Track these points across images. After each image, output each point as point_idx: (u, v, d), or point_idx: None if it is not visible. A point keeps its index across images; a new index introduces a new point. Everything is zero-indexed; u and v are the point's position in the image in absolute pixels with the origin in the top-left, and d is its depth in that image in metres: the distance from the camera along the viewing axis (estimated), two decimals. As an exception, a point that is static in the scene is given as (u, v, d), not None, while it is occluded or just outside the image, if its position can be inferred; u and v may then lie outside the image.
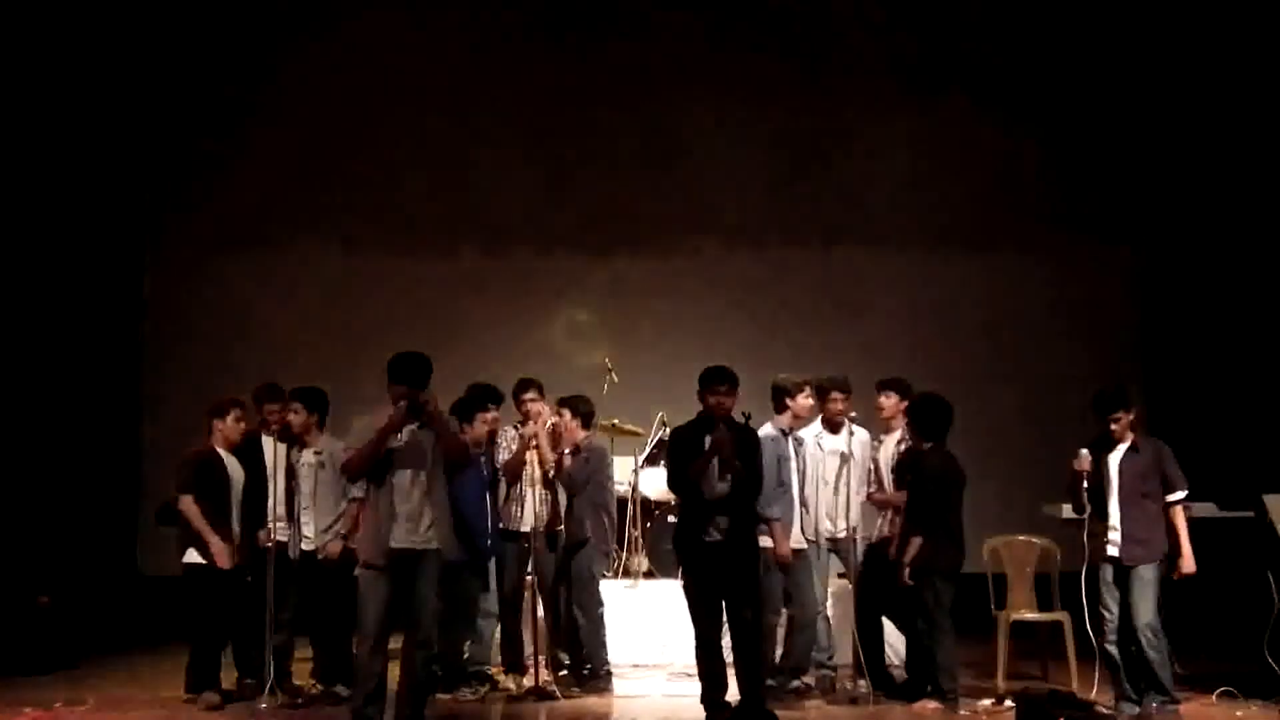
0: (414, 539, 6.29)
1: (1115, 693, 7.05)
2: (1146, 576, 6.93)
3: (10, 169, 9.84)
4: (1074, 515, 7.29)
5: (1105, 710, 6.83)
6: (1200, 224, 10.76)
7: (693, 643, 6.90)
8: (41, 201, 10.11)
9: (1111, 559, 6.99)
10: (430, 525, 6.31)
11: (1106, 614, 6.99)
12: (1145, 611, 6.90)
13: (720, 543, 6.71)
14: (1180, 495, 7.08)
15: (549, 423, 7.87)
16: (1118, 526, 6.97)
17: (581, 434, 7.93)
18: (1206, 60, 10.57)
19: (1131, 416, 7.04)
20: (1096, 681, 7.30)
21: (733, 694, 6.84)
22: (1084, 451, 7.06)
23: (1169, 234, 11.11)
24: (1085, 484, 7.04)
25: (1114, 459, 7.05)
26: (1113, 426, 7.01)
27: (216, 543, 7.30)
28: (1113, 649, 7.02)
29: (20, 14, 9.83)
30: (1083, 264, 11.33)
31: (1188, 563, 7.02)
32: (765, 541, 7.37)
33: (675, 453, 6.94)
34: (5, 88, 9.76)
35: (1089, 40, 11.22)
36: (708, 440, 6.73)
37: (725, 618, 6.89)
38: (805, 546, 7.60)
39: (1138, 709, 6.99)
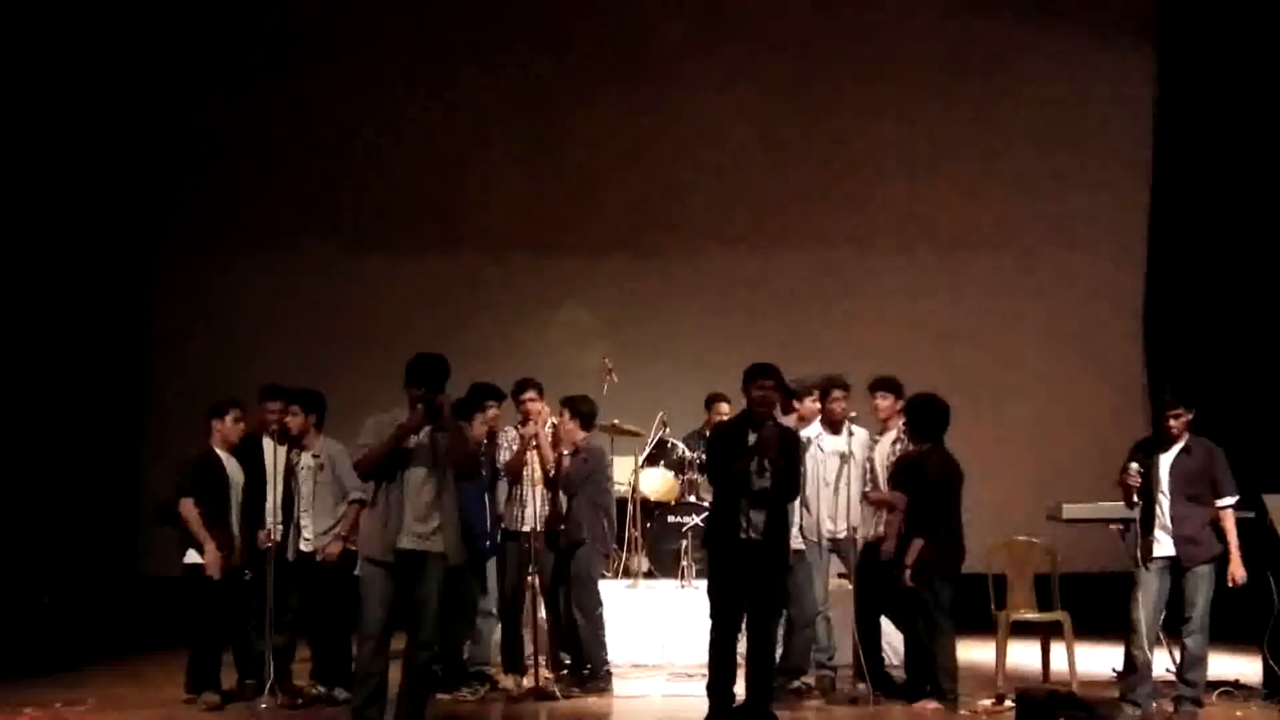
0: (420, 540, 6.28)
1: (1121, 692, 7.02)
2: (1204, 574, 6.87)
3: (13, 172, 9.83)
4: (1127, 511, 7.19)
5: (1105, 710, 6.82)
6: (1201, 224, 10.77)
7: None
8: (44, 203, 10.12)
9: (1165, 559, 6.90)
10: (437, 528, 6.30)
11: (1140, 616, 6.91)
12: (1200, 608, 6.85)
13: (757, 542, 6.66)
14: (1230, 501, 6.98)
15: (549, 422, 7.87)
16: (1169, 526, 6.89)
17: (580, 434, 7.93)
18: (1211, 59, 10.58)
19: (1191, 416, 6.95)
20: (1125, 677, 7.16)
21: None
22: (1132, 465, 6.97)
23: (1170, 235, 11.11)
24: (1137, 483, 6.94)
25: (1166, 459, 6.95)
26: (1171, 423, 6.93)
27: (210, 551, 7.30)
28: (1139, 652, 6.92)
29: (21, 17, 9.83)
30: (1085, 265, 11.32)
31: (1237, 568, 6.91)
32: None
33: (717, 447, 6.92)
34: (5, 91, 9.76)
35: (1094, 37, 11.21)
36: (751, 436, 6.72)
37: (745, 620, 6.87)
38: (804, 547, 7.60)
39: (1139, 711, 6.97)
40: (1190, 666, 6.92)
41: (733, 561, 6.70)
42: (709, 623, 6.78)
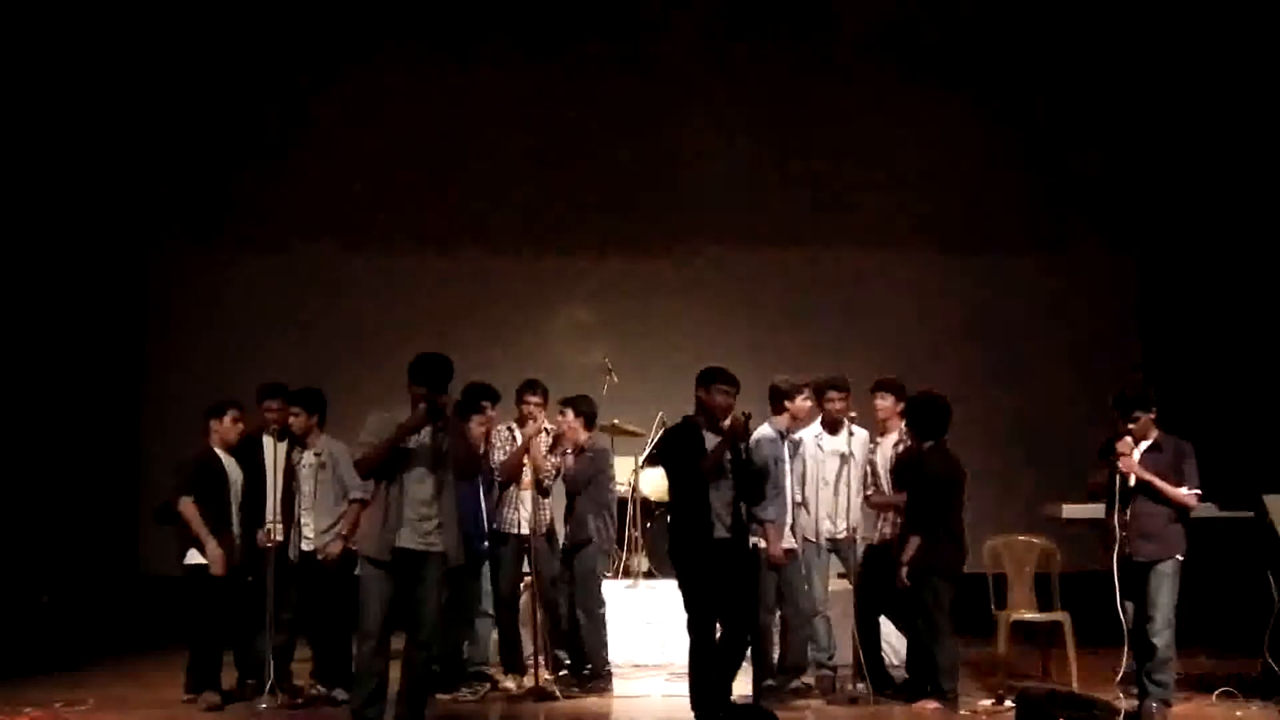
0: (419, 540, 6.28)
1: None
2: (1165, 571, 6.91)
3: (13, 170, 9.83)
4: (1091, 513, 7.26)
5: (1104, 710, 6.82)
6: (1200, 224, 10.77)
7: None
8: (43, 203, 10.11)
9: (1127, 557, 6.96)
10: (436, 528, 6.30)
11: (1129, 609, 6.99)
12: (1163, 606, 6.87)
13: (728, 540, 6.69)
14: (1191, 491, 7.00)
15: (542, 427, 7.86)
16: (1132, 524, 6.94)
17: (584, 434, 7.94)
18: (1207, 61, 10.58)
19: (1152, 416, 7.02)
20: (1122, 677, 7.15)
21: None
22: (1127, 439, 7.00)
23: (1168, 234, 11.12)
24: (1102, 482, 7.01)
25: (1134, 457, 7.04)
26: (1131, 426, 6.99)
27: (213, 548, 7.30)
28: (1130, 647, 6.98)
29: (24, 14, 9.82)
30: (1082, 264, 11.33)
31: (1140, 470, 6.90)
32: (760, 542, 7.38)
33: (680, 452, 6.85)
34: (6, 89, 9.75)
35: (1090, 38, 11.22)
36: (708, 437, 6.70)
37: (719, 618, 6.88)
38: (795, 546, 7.58)
39: (1132, 702, 6.99)
40: (1159, 666, 6.92)
41: (708, 563, 6.68)
42: (687, 634, 6.74)
